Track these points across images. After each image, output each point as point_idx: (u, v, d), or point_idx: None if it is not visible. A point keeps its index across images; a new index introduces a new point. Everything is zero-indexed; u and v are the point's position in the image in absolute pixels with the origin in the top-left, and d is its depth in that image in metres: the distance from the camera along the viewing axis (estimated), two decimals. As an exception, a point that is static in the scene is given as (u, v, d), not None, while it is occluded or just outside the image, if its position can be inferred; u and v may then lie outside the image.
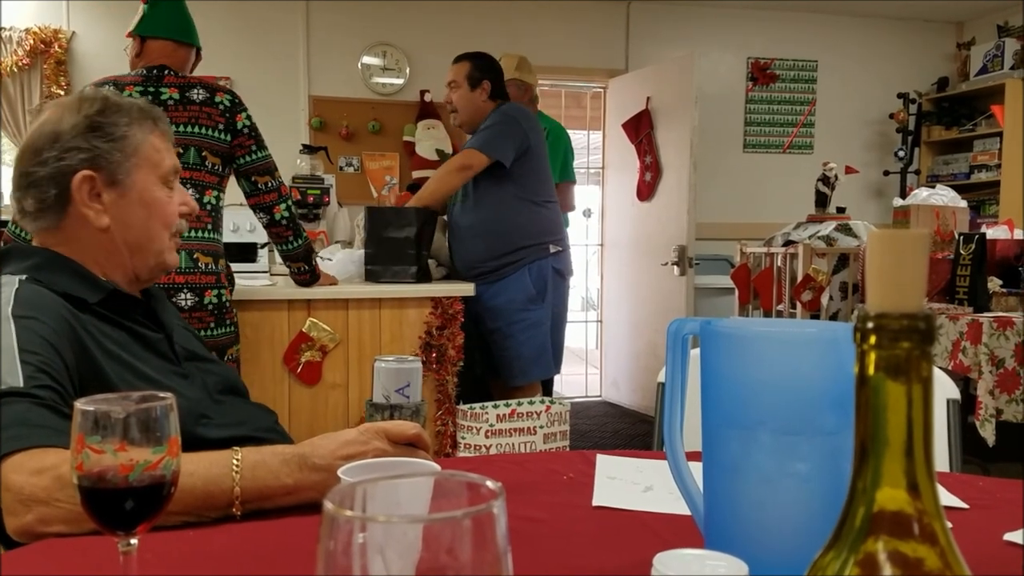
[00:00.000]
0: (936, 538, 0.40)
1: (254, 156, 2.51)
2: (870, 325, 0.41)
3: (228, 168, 2.50)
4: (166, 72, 2.46)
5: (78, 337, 1.10)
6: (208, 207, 2.44)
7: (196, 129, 2.42)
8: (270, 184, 2.53)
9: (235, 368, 2.52)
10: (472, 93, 3.24)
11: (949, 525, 0.41)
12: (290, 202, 2.59)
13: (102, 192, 1.23)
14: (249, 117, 2.51)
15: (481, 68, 3.27)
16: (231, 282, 2.56)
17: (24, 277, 1.15)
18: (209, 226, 2.45)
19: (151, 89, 2.42)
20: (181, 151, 2.38)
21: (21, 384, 0.97)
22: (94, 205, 1.23)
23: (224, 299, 2.45)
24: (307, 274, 2.76)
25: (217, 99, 2.46)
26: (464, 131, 3.39)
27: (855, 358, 0.42)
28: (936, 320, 0.40)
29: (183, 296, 2.35)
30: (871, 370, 0.41)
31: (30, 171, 1.22)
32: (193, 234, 2.39)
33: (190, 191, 2.39)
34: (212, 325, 2.41)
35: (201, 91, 2.45)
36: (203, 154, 2.42)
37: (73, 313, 1.13)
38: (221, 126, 2.45)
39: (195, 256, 2.38)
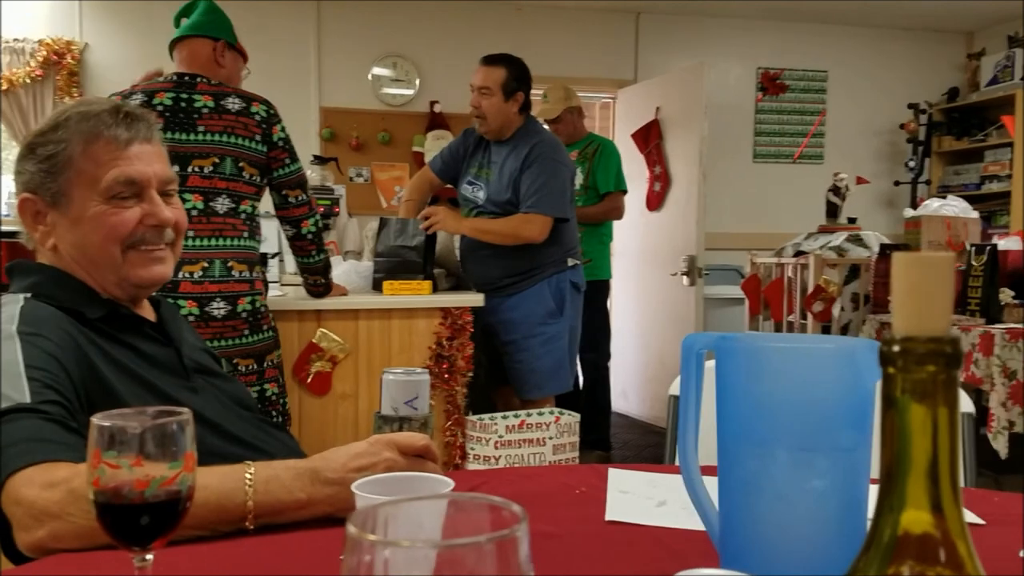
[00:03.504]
0: (962, 563, 0.40)
1: (287, 169, 2.48)
2: (896, 349, 0.40)
3: (266, 178, 2.47)
4: (199, 80, 2.42)
5: (84, 353, 1.11)
6: (243, 216, 2.42)
7: (232, 139, 2.38)
8: (300, 198, 2.51)
9: (277, 374, 2.49)
10: (506, 104, 3.11)
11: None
12: (317, 217, 2.57)
13: (47, 213, 1.23)
14: (284, 129, 2.48)
15: (518, 78, 3.13)
16: (266, 287, 2.53)
17: (28, 295, 1.16)
18: (245, 234, 2.42)
19: (184, 95, 2.38)
20: (218, 160, 2.36)
21: (28, 400, 0.97)
22: (39, 227, 1.24)
23: (258, 305, 2.42)
24: (322, 287, 2.77)
25: (253, 109, 2.43)
26: (488, 138, 3.22)
27: (881, 381, 0.42)
28: (962, 344, 0.40)
29: (216, 305, 2.31)
30: (897, 393, 0.41)
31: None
32: (228, 242, 2.37)
33: (226, 201, 2.37)
34: (246, 332, 2.37)
35: (236, 100, 2.42)
36: (240, 165, 2.39)
37: (79, 328, 1.13)
38: (258, 137, 2.42)
39: (229, 264, 2.35)
